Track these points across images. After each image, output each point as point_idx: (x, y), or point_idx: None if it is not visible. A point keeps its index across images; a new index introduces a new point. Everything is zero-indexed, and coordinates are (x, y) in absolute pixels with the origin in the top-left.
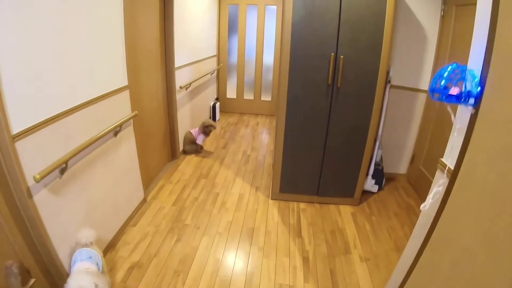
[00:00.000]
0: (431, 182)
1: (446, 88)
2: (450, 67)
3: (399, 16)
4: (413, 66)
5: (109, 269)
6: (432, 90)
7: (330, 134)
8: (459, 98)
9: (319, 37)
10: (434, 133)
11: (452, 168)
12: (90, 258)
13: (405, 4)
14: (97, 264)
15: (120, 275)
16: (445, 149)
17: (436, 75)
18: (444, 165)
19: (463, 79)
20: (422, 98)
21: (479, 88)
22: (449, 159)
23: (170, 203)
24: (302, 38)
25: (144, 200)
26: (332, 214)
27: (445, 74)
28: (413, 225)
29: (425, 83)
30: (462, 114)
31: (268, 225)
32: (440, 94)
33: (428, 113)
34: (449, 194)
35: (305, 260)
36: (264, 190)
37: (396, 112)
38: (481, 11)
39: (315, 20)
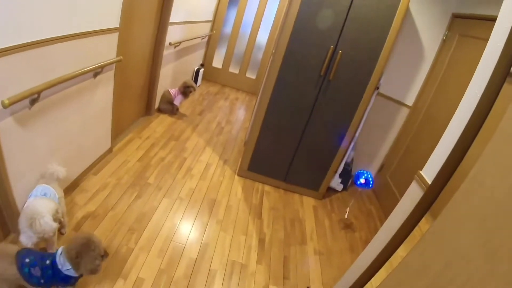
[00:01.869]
0: (394, 194)
1: (360, 183)
2: (364, 175)
3: (403, 28)
4: (404, 79)
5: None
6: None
7: (310, 124)
8: (365, 185)
9: (323, 26)
10: (409, 148)
11: (429, 182)
12: (45, 195)
13: (411, 18)
14: None
15: (72, 222)
16: (417, 165)
17: (355, 176)
18: (422, 178)
19: (367, 177)
20: (404, 112)
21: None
22: (428, 172)
23: (136, 159)
24: (306, 24)
25: (110, 150)
26: (294, 203)
27: (361, 178)
28: (370, 231)
29: (411, 99)
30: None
31: (230, 200)
32: (358, 186)
33: (407, 128)
34: (428, 203)
35: (261, 242)
36: (232, 165)
37: (376, 120)
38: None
39: (323, 9)
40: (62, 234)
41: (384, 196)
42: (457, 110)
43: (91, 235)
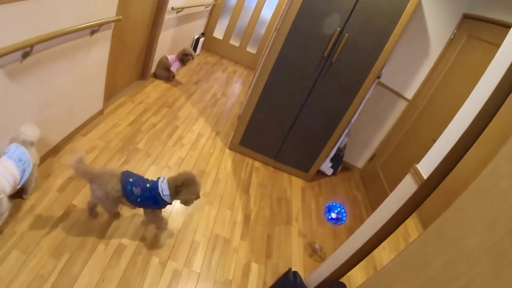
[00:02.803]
0: (382, 184)
1: (331, 217)
2: (337, 209)
3: (412, 20)
4: (406, 72)
5: (47, 175)
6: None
7: (307, 104)
8: (337, 220)
9: (332, 7)
10: (402, 141)
11: (425, 177)
12: (20, 161)
13: (422, 12)
14: (24, 171)
15: (57, 182)
16: (409, 159)
17: (327, 209)
18: (418, 172)
19: (340, 212)
20: (402, 105)
21: (344, 220)
22: (425, 167)
23: (127, 123)
24: (314, 2)
25: (101, 112)
26: (283, 182)
27: (333, 212)
28: (356, 217)
29: (410, 92)
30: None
31: (219, 173)
32: (328, 220)
33: (403, 121)
34: (421, 197)
35: (247, 218)
36: (224, 138)
37: (373, 109)
38: None
39: None
40: (24, 199)
41: (372, 185)
42: (461, 109)
43: (196, 175)
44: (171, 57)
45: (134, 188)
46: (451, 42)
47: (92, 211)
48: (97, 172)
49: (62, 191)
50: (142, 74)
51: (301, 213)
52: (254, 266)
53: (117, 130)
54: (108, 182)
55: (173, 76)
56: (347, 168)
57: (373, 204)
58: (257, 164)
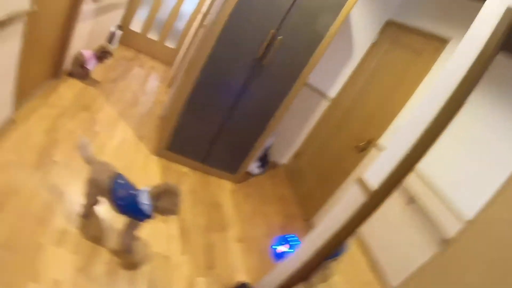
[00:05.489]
0: (305, 179)
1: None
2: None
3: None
4: (330, 72)
5: None
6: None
7: (237, 107)
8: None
9: (268, 7)
10: (323, 141)
11: (374, 188)
12: None
13: (348, 17)
14: None
15: None
16: (331, 155)
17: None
18: (364, 184)
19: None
20: (324, 105)
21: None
22: (373, 177)
23: (40, 131)
24: (251, 1)
25: (10, 120)
26: (212, 187)
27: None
28: (285, 215)
29: (333, 92)
30: None
31: (147, 184)
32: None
33: (324, 122)
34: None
35: (183, 230)
36: (148, 142)
37: (298, 107)
38: None
39: None
40: None
41: (295, 181)
42: (408, 120)
43: (178, 187)
44: (87, 53)
45: (119, 189)
46: (372, 47)
47: (88, 210)
48: (98, 160)
49: None
50: (55, 72)
51: (235, 217)
52: (199, 280)
53: (30, 141)
54: (101, 172)
55: (88, 74)
56: (272, 166)
57: (302, 200)
58: (184, 169)
